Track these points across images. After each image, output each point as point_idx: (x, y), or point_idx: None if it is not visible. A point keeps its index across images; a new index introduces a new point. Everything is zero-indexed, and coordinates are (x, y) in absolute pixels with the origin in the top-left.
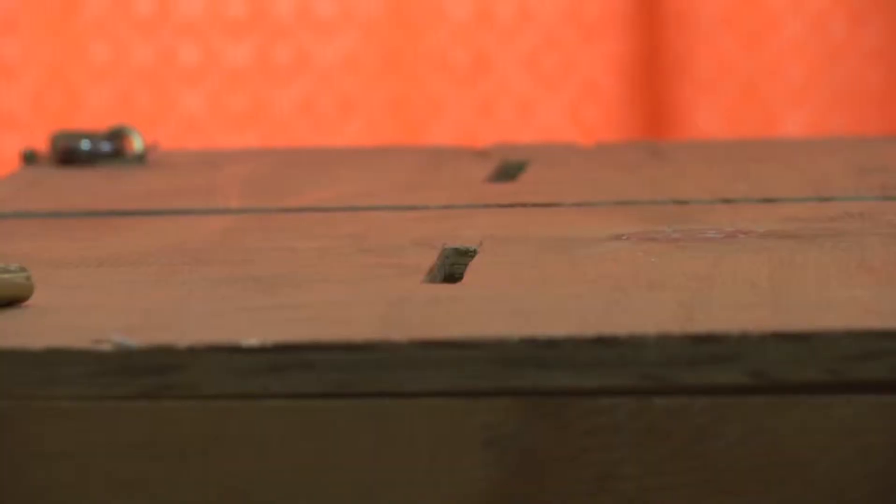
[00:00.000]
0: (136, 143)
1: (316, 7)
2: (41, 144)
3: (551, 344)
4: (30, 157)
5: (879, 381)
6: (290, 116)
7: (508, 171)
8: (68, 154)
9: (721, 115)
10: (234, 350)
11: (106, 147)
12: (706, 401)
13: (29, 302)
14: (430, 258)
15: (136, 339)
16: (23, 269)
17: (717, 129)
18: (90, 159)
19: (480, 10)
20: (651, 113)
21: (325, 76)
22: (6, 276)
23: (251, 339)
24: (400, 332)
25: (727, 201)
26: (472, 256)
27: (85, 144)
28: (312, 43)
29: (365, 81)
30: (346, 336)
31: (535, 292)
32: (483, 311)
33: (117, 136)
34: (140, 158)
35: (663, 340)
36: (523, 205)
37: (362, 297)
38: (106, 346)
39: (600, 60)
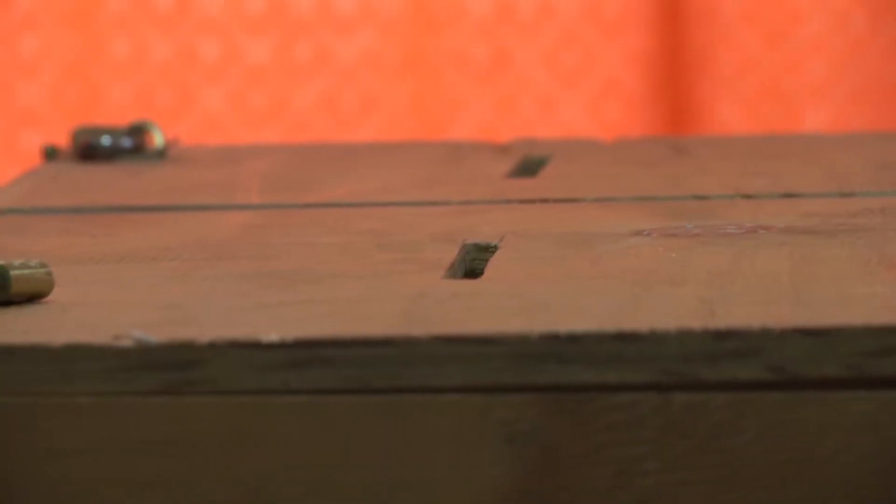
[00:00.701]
0: (157, 139)
1: (336, 4)
2: (61, 140)
3: (572, 339)
4: (50, 153)
5: None
6: (311, 113)
7: (529, 166)
8: (89, 149)
9: (742, 110)
10: (255, 346)
11: (127, 143)
12: (726, 396)
13: (49, 298)
14: (450, 254)
15: (156, 335)
16: (43, 265)
17: (739, 125)
18: (111, 155)
19: (501, 7)
20: (672, 109)
21: (346, 73)
22: (27, 271)
23: (271, 335)
24: (420, 327)
25: (748, 197)
26: (493, 252)
27: (106, 140)
28: (333, 40)
29: (385, 78)
30: (365, 332)
31: (555, 288)
32: (503, 306)
33: (138, 131)
34: (160, 154)
35: (684, 336)
36: (544, 200)
37: (382, 292)
38: (126, 342)
39: (621, 57)
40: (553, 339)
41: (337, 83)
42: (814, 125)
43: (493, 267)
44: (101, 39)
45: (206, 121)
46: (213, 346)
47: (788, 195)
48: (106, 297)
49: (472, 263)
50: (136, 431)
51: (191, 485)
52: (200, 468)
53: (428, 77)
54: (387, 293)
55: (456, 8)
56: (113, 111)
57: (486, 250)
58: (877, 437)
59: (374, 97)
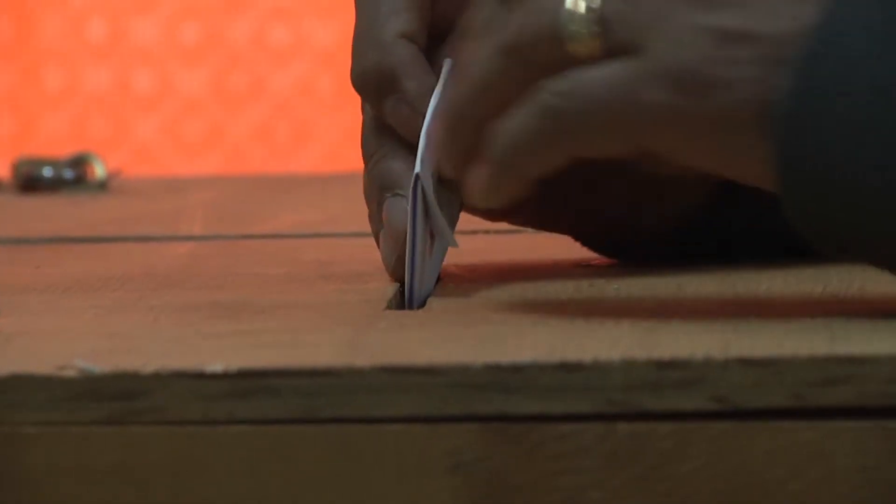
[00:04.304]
0: (99, 170)
1: (270, 35)
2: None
3: (515, 370)
4: None
5: (844, 407)
6: (246, 143)
7: None
8: (31, 181)
9: None
10: (199, 376)
11: (68, 174)
12: (670, 426)
13: None
14: (394, 284)
15: (101, 365)
16: None
17: None
18: (53, 186)
19: None
20: None
21: (281, 103)
22: None
23: (216, 365)
24: (364, 357)
25: None
26: (437, 282)
27: (47, 171)
28: (267, 70)
29: (320, 108)
30: (310, 362)
31: (499, 318)
32: (447, 336)
33: (80, 162)
34: (102, 185)
35: (627, 365)
36: (486, 231)
37: (327, 322)
38: (70, 372)
39: None
40: (496, 369)
41: (272, 113)
42: None
43: (437, 298)
44: (34, 70)
45: (141, 151)
46: (157, 376)
47: None
48: (50, 327)
49: None
50: (82, 460)
51: None
52: (147, 497)
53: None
54: (331, 323)
55: None
56: (47, 142)
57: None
58: (823, 467)
59: (309, 127)
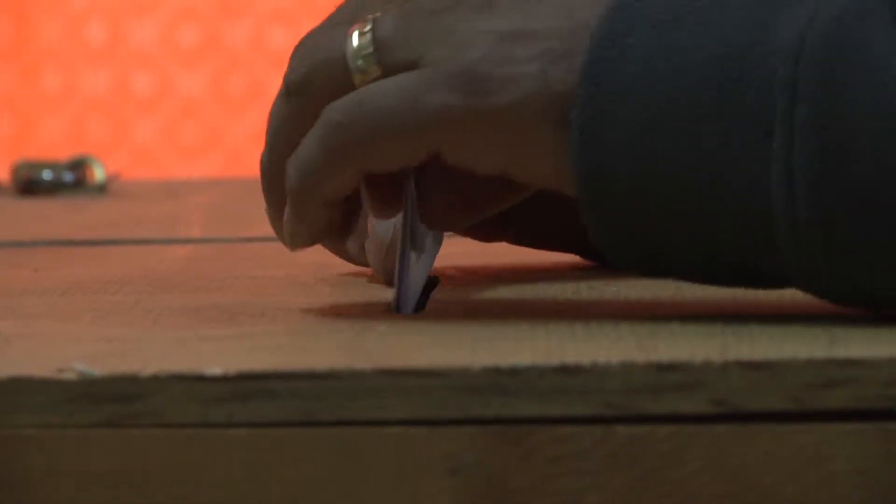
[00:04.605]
0: (98, 173)
1: (269, 37)
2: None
3: (514, 372)
4: None
5: (843, 410)
6: (244, 146)
7: None
8: (30, 184)
9: None
10: (198, 379)
11: (68, 177)
12: (669, 429)
13: None
14: (393, 287)
15: (99, 368)
16: None
17: None
18: (52, 189)
19: None
20: None
21: None
22: None
23: (214, 368)
24: (363, 360)
25: None
26: (435, 285)
27: (47, 174)
28: (266, 73)
29: None
30: (310, 365)
31: (498, 321)
32: (446, 339)
33: (79, 166)
34: (101, 188)
35: (627, 368)
36: None
37: (326, 325)
38: (69, 375)
39: None
40: (495, 372)
41: None
42: None
43: (436, 300)
44: (33, 72)
45: (139, 153)
46: (156, 379)
47: None
48: (49, 330)
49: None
50: (81, 463)
51: None
52: (145, 500)
53: None
54: (330, 326)
55: None
56: (46, 143)
57: (428, 284)
58: (821, 470)
59: None
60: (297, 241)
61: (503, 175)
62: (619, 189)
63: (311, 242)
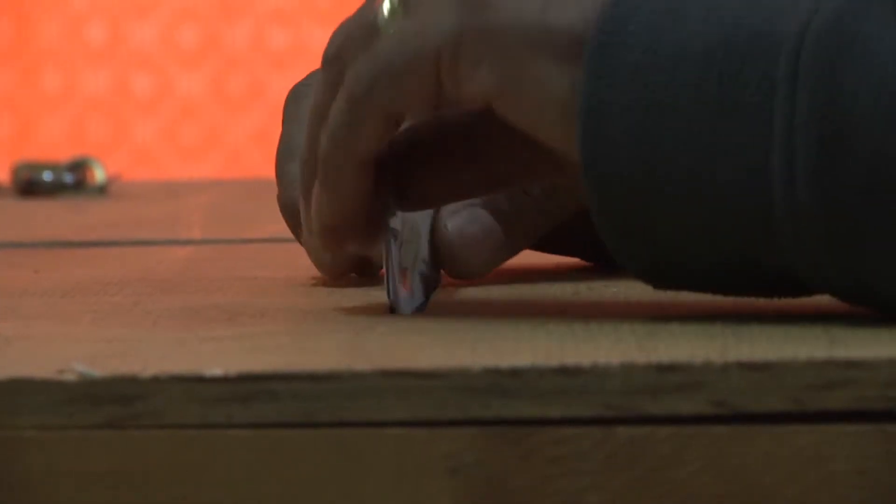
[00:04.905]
0: (98, 174)
1: (270, 38)
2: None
3: (514, 373)
4: None
5: (843, 410)
6: (244, 147)
7: None
8: (30, 185)
9: None
10: (198, 380)
11: (68, 178)
12: (669, 430)
13: None
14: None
15: (100, 369)
16: None
17: None
18: (52, 190)
19: None
20: None
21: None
22: None
23: (215, 369)
24: (363, 361)
25: None
26: (436, 286)
27: (47, 175)
28: (266, 74)
29: None
30: (310, 366)
31: (498, 321)
32: (446, 340)
33: (79, 167)
34: (101, 189)
35: (627, 369)
36: None
37: (326, 326)
38: (69, 376)
39: None
40: (495, 373)
41: (270, 117)
42: None
43: (437, 301)
44: (33, 72)
45: (139, 154)
46: (156, 380)
47: None
48: (49, 331)
49: None
50: (81, 464)
51: None
52: (145, 501)
53: None
54: (331, 327)
55: None
56: (46, 144)
57: (428, 284)
58: (822, 471)
59: None
60: (326, 219)
61: (490, 106)
62: (620, 177)
63: (345, 224)
